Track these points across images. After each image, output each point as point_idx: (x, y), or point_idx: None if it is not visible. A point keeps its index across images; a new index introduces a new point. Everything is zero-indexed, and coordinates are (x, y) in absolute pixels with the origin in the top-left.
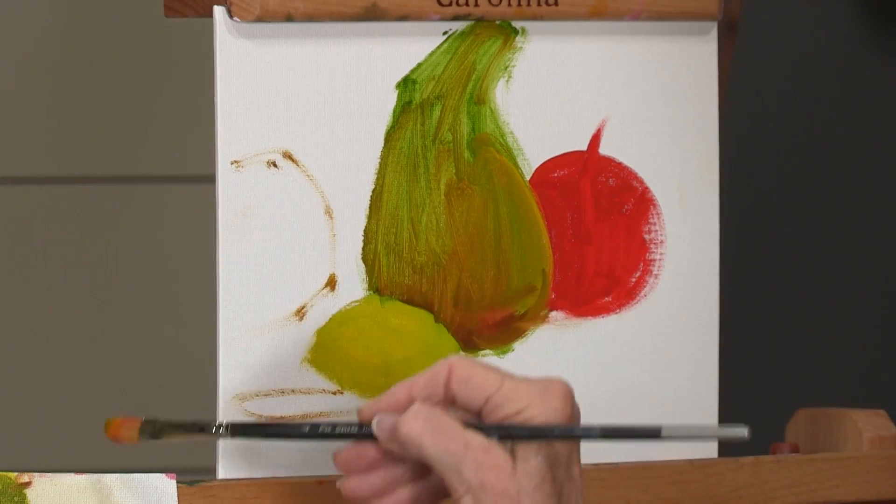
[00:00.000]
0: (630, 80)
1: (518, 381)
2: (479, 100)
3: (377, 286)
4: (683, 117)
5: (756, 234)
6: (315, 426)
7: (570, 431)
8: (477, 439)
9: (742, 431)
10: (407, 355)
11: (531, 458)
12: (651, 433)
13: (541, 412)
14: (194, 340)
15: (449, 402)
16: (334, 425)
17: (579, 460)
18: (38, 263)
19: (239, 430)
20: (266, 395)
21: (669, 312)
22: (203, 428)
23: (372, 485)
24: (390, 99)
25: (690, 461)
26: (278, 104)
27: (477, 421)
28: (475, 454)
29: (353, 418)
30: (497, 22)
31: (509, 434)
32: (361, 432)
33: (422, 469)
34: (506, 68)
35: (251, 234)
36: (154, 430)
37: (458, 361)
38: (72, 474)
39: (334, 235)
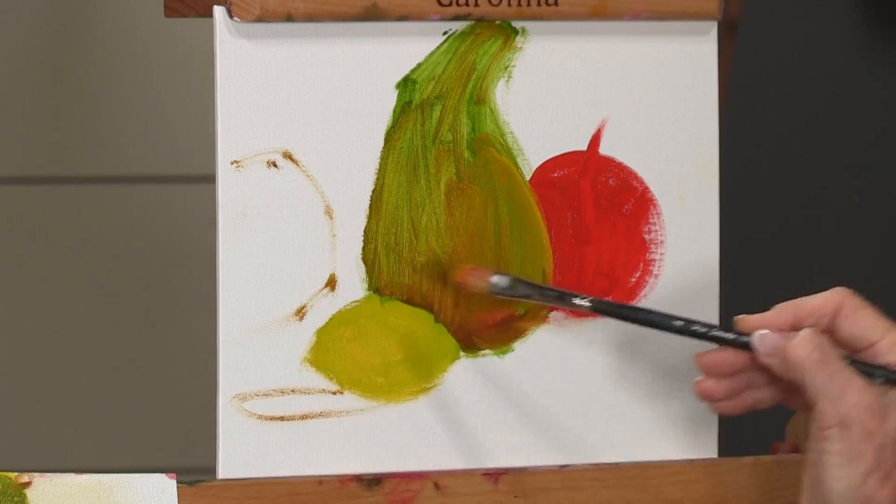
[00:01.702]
0: (630, 80)
1: None
2: (479, 100)
3: (377, 286)
4: (683, 117)
5: (756, 233)
6: (689, 323)
7: None
8: (858, 378)
9: None
10: (407, 355)
11: None
12: None
13: None
14: (194, 340)
15: (829, 333)
16: (710, 327)
17: None
18: (37, 263)
19: (603, 307)
20: (266, 395)
21: (669, 312)
22: (563, 298)
23: (727, 388)
24: (390, 99)
25: (691, 461)
26: (278, 104)
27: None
28: (856, 391)
29: (716, 323)
30: (497, 22)
31: (893, 380)
32: (737, 340)
33: (772, 377)
34: (506, 68)
35: (251, 234)
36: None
37: (851, 297)
38: (72, 474)
39: (334, 235)
